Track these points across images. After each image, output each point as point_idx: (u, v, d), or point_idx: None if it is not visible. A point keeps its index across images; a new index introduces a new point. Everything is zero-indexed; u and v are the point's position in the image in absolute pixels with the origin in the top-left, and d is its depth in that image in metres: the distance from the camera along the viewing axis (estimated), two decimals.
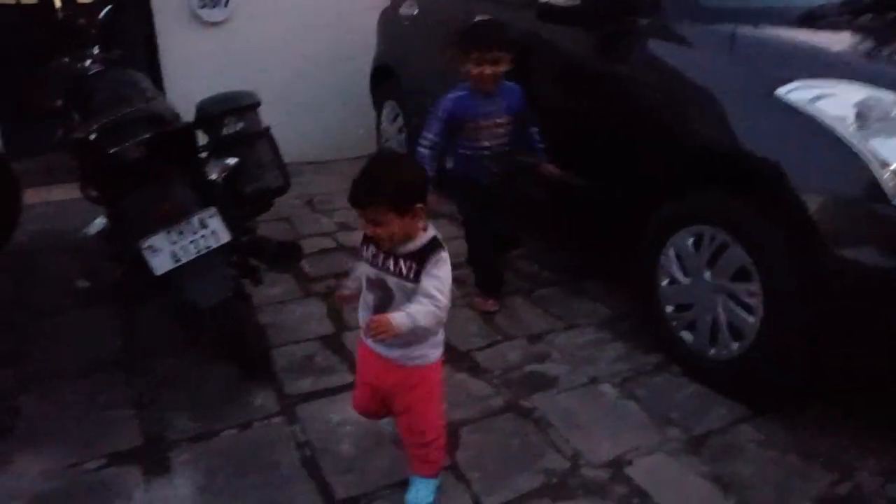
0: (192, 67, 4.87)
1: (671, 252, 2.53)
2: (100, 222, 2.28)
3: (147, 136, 2.20)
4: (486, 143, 2.88)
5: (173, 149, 2.34)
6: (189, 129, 2.40)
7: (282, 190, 2.79)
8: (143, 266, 2.28)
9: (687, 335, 2.54)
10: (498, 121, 2.86)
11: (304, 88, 5.33)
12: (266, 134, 2.76)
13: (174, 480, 2.09)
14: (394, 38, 4.85)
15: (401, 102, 4.80)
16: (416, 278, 1.65)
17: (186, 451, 2.22)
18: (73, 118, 2.99)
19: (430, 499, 1.94)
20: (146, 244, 2.21)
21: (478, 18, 3.11)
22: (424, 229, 1.71)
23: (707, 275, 2.40)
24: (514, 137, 2.94)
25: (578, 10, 2.76)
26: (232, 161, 2.51)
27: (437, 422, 1.90)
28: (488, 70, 2.73)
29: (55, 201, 4.50)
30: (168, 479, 2.09)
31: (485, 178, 2.96)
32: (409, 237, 1.68)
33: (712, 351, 2.44)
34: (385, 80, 4.94)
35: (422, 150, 2.81)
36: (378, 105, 5.18)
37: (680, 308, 2.56)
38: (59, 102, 3.03)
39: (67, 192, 4.49)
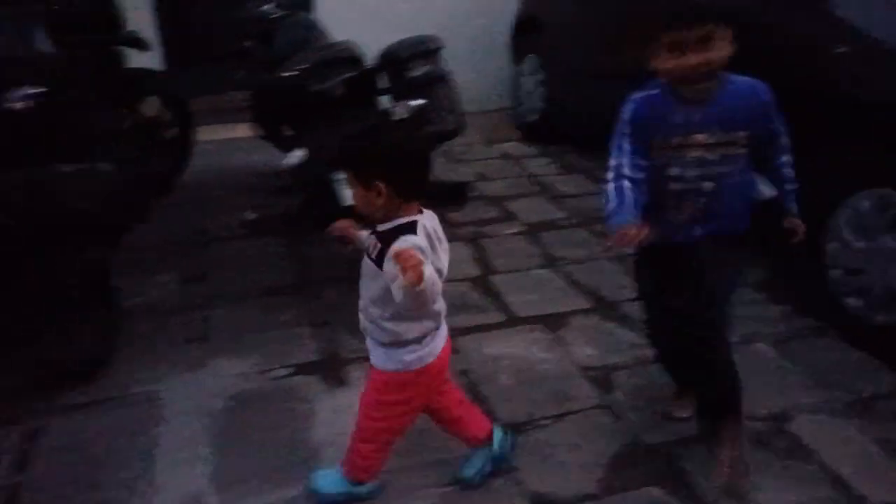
0: (342, 19, 5.06)
1: (845, 215, 2.46)
2: (298, 154, 2.47)
3: (351, 74, 2.36)
4: (676, 172, 1.80)
5: (362, 88, 2.49)
6: (379, 70, 2.54)
7: (454, 133, 2.90)
8: (327, 197, 2.48)
9: (854, 300, 2.48)
10: (702, 138, 1.75)
11: (449, 40, 5.38)
12: (448, 78, 2.85)
13: (352, 391, 2.30)
14: None
15: (543, 56, 4.72)
16: (378, 258, 1.56)
17: (359, 368, 2.42)
18: (256, 59, 3.22)
19: (338, 489, 1.83)
20: (339, 176, 2.40)
21: None
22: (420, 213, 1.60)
23: (887, 239, 2.33)
24: (738, 169, 1.80)
25: None
26: (419, 102, 2.63)
27: (366, 427, 1.77)
28: (693, 60, 1.64)
29: (219, 140, 4.86)
30: (346, 390, 2.32)
31: (678, 235, 1.87)
32: (378, 214, 1.58)
33: (881, 317, 2.37)
34: (529, 31, 4.85)
35: (606, 184, 1.83)
36: (518, 58, 5.12)
37: (849, 272, 2.49)
38: (248, 44, 3.27)
39: (230, 132, 4.86)
